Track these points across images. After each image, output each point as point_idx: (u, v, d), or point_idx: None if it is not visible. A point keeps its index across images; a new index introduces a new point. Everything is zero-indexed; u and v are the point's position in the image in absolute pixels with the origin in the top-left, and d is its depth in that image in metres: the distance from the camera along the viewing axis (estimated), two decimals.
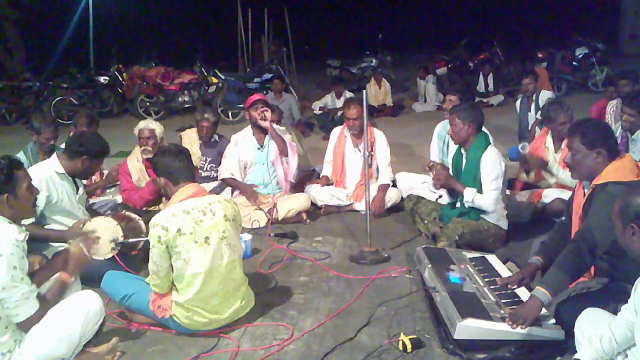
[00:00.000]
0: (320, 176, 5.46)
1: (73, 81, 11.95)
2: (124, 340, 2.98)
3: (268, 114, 4.89)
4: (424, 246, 3.67)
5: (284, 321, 3.18)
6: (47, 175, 3.64)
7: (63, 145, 3.93)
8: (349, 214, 5.11)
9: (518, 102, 6.77)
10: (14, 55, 15.20)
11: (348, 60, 14.05)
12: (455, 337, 2.64)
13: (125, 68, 12.38)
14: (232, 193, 5.10)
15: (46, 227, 3.66)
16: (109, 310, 3.15)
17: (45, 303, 2.51)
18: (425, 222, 4.36)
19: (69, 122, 9.06)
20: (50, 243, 3.69)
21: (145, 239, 3.53)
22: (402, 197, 5.03)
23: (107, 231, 3.58)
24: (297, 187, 5.31)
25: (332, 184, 5.31)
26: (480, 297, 2.87)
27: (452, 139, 4.17)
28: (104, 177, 5.18)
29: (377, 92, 10.70)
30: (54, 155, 3.84)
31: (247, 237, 4.18)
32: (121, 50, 13.86)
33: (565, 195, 4.08)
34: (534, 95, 6.47)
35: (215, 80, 11.28)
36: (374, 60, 13.48)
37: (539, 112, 5.66)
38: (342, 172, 5.28)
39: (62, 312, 2.56)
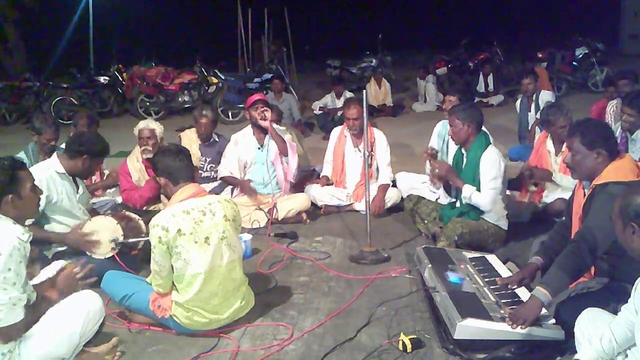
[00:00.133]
0: (320, 176, 5.46)
1: (73, 81, 11.95)
2: (124, 340, 2.98)
3: (268, 114, 4.90)
4: (424, 246, 3.67)
5: (284, 321, 3.18)
6: (47, 174, 3.64)
7: (63, 146, 3.93)
8: (349, 214, 5.11)
9: (518, 102, 6.78)
10: (14, 55, 15.21)
11: (348, 60, 14.05)
12: (455, 337, 2.64)
13: (125, 68, 12.38)
14: (232, 193, 5.10)
15: (46, 227, 3.66)
16: (109, 310, 3.15)
17: (31, 316, 2.46)
18: (425, 222, 4.36)
19: (69, 122, 9.05)
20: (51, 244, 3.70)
21: (146, 239, 3.53)
22: (402, 197, 5.03)
23: (107, 231, 3.58)
24: (297, 187, 5.31)
25: (332, 184, 5.32)
26: (480, 297, 2.87)
27: (453, 140, 4.17)
28: (104, 178, 5.18)
29: (377, 92, 10.70)
30: (54, 154, 3.84)
31: (247, 237, 4.18)
32: (121, 50, 13.89)
33: (566, 195, 4.07)
34: (534, 95, 6.48)
35: (215, 80, 11.28)
36: (374, 60, 13.48)
37: (539, 112, 5.67)
38: (342, 172, 5.28)
39: (62, 312, 2.56)
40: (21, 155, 4.66)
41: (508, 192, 4.31)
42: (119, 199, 4.86)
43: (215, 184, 5.29)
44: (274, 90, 9.38)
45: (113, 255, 3.54)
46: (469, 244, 3.88)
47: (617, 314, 2.19)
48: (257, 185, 5.03)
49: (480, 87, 11.46)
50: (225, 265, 3.00)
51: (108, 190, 5.21)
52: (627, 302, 2.13)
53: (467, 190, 3.92)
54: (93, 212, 4.19)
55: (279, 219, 4.84)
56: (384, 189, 5.04)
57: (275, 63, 12.42)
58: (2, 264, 2.29)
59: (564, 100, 8.12)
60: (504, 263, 3.48)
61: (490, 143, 4.02)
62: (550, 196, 4.46)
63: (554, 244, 3.02)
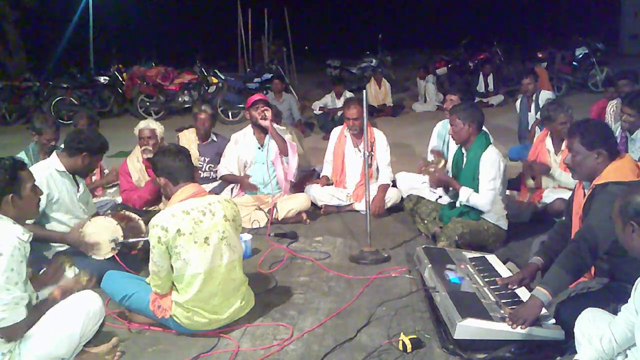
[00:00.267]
0: (320, 176, 5.46)
1: (73, 81, 11.95)
2: (124, 340, 2.98)
3: (268, 114, 4.89)
4: (424, 246, 3.67)
5: (284, 321, 3.18)
6: (47, 173, 3.64)
7: (63, 146, 3.93)
8: (349, 214, 5.11)
9: (518, 102, 6.78)
10: (14, 55, 15.20)
11: (348, 60, 14.05)
12: (455, 337, 2.64)
13: (125, 68, 12.38)
14: (232, 193, 5.10)
15: (47, 226, 3.66)
16: (109, 310, 3.15)
17: (34, 314, 2.47)
18: (425, 222, 4.36)
19: (69, 122, 9.07)
20: (51, 244, 3.70)
21: (145, 239, 3.53)
22: (402, 197, 5.03)
23: (107, 231, 3.58)
24: (297, 187, 5.31)
25: (332, 184, 5.32)
26: (480, 297, 2.87)
27: (453, 139, 4.18)
28: (104, 177, 5.18)
29: (377, 92, 10.70)
30: (54, 153, 3.84)
31: (247, 237, 4.18)
32: (121, 50, 13.87)
33: (566, 195, 4.08)
34: (534, 95, 6.48)
35: (215, 80, 11.28)
36: (374, 60, 13.48)
37: (539, 112, 5.66)
38: (342, 172, 5.28)
39: (62, 312, 2.56)
40: (21, 155, 4.66)
41: (508, 192, 4.31)
42: (119, 199, 4.86)
43: (215, 184, 5.29)
44: (274, 90, 9.38)
45: (113, 256, 3.54)
46: (469, 244, 3.88)
47: (617, 314, 2.19)
48: (257, 185, 5.03)
49: (480, 87, 11.47)
50: (225, 265, 3.00)
51: (108, 191, 5.22)
52: (627, 302, 2.13)
53: (464, 194, 3.92)
54: (95, 213, 4.20)
55: (279, 219, 4.84)
56: (384, 189, 5.04)
57: (275, 63, 12.43)
58: (5, 264, 2.30)
59: (564, 100, 8.11)
60: (504, 263, 3.48)
61: (491, 143, 4.02)
62: (550, 196, 4.46)
63: (554, 244, 3.02)
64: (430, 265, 3.24)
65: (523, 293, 2.93)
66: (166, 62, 12.63)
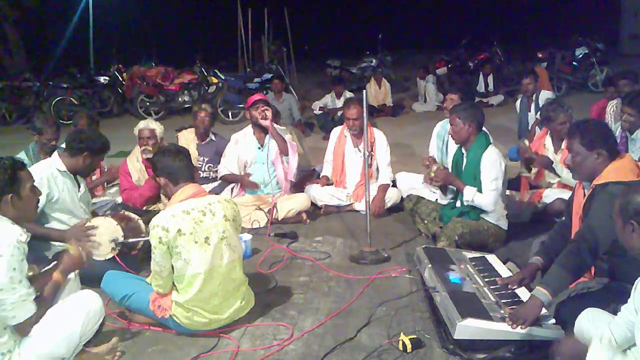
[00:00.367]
0: (320, 176, 5.46)
1: (73, 81, 11.94)
2: (124, 340, 2.98)
3: (269, 113, 4.90)
4: (424, 246, 3.67)
5: (284, 321, 3.18)
6: (49, 172, 3.64)
7: (64, 145, 3.93)
8: (349, 214, 5.11)
9: (518, 102, 6.78)
10: (14, 55, 15.20)
11: (348, 60, 14.05)
12: (455, 337, 2.64)
13: (125, 68, 12.38)
14: (232, 193, 5.10)
15: (47, 225, 3.66)
16: (109, 310, 3.16)
17: (42, 305, 2.50)
18: (425, 222, 4.37)
19: (69, 122, 9.07)
20: (51, 242, 3.70)
21: (145, 239, 3.53)
22: (402, 197, 5.03)
23: (107, 231, 3.58)
24: (297, 187, 5.32)
25: (332, 184, 5.32)
26: (480, 297, 2.87)
27: (453, 139, 4.17)
28: (104, 174, 5.18)
29: (377, 92, 10.70)
30: (55, 153, 3.84)
31: (247, 237, 4.18)
32: (121, 50, 13.88)
33: (566, 195, 4.08)
34: (534, 95, 6.48)
35: (215, 80, 11.28)
36: (374, 60, 13.47)
37: (539, 112, 5.67)
38: (342, 172, 5.28)
39: (62, 312, 2.56)
40: (21, 155, 4.66)
41: (508, 192, 4.31)
42: (119, 199, 4.86)
43: (215, 184, 5.29)
44: (274, 90, 9.37)
45: (113, 256, 3.54)
46: (469, 244, 3.88)
47: (617, 314, 2.19)
48: (257, 185, 5.03)
49: (480, 87, 11.46)
50: (225, 265, 3.00)
51: (108, 191, 5.22)
52: (627, 302, 2.13)
53: (469, 193, 3.92)
54: (93, 213, 4.20)
55: (279, 219, 4.84)
56: (384, 189, 5.04)
57: (275, 63, 12.43)
58: (6, 265, 2.30)
59: (564, 100, 8.10)
60: (504, 263, 3.48)
61: (491, 143, 4.02)
62: (550, 196, 4.46)
63: (554, 244, 3.02)
64: (430, 265, 3.24)
65: (523, 293, 2.93)
66: (166, 62, 12.63)
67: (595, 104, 6.39)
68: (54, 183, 3.66)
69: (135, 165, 4.80)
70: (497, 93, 11.30)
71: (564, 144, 4.34)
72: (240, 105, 10.13)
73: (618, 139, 4.28)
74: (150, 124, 4.81)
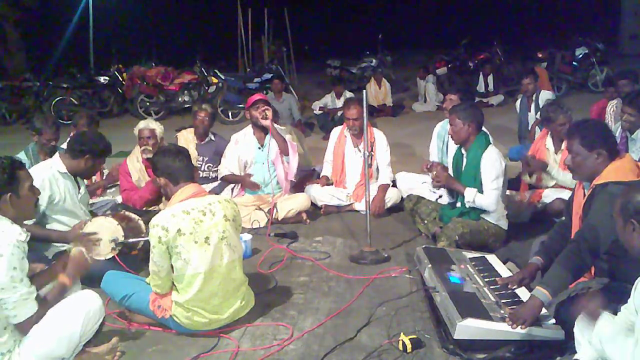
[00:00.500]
0: (320, 176, 5.46)
1: (73, 81, 11.94)
2: (124, 340, 2.98)
3: (269, 113, 4.90)
4: (424, 246, 3.67)
5: (284, 321, 3.18)
6: (50, 174, 3.64)
7: (64, 146, 3.94)
8: (349, 214, 5.11)
9: (518, 102, 6.78)
10: (14, 55, 15.20)
11: (348, 60, 14.05)
12: (455, 337, 2.64)
13: (125, 68, 12.38)
14: (232, 193, 5.10)
15: (48, 226, 3.67)
16: (109, 310, 3.15)
17: (44, 305, 2.51)
18: (425, 222, 4.36)
19: (69, 122, 9.06)
20: (52, 243, 3.70)
21: (145, 239, 3.53)
22: (402, 197, 5.03)
23: (107, 231, 3.58)
24: (297, 187, 5.32)
25: (332, 184, 5.32)
26: (480, 297, 2.87)
27: (453, 139, 4.17)
28: (104, 177, 5.18)
29: (377, 92, 10.70)
30: (56, 154, 3.84)
31: (247, 237, 4.18)
32: (121, 50, 13.86)
33: (566, 195, 4.09)
34: (534, 95, 6.48)
35: (215, 80, 11.28)
36: (374, 60, 13.47)
37: (539, 112, 5.67)
38: (342, 172, 5.28)
39: (62, 312, 2.56)
40: (21, 155, 4.67)
41: (508, 192, 4.31)
42: (119, 199, 4.86)
43: (214, 184, 5.29)
44: (274, 90, 9.37)
45: (113, 256, 3.54)
46: (469, 244, 3.88)
47: (617, 314, 2.19)
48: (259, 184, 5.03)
49: (480, 87, 11.46)
50: (225, 265, 3.00)
51: (108, 191, 5.22)
52: (627, 302, 2.13)
53: (470, 194, 3.92)
54: (92, 213, 4.20)
55: (279, 219, 4.83)
56: (384, 189, 5.04)
57: (275, 63, 12.43)
58: (7, 264, 2.30)
59: (564, 100, 8.10)
60: (504, 263, 3.49)
61: (491, 143, 4.02)
62: (550, 196, 4.46)
63: (554, 244, 3.02)
64: (430, 265, 3.24)
65: (523, 293, 2.93)
66: (166, 62, 12.62)
67: (595, 104, 6.39)
68: (55, 185, 3.66)
69: (135, 165, 4.80)
70: (497, 93, 11.29)
71: (564, 145, 4.34)
72: (240, 105, 10.13)
73: (618, 139, 4.28)
74: (150, 124, 4.81)
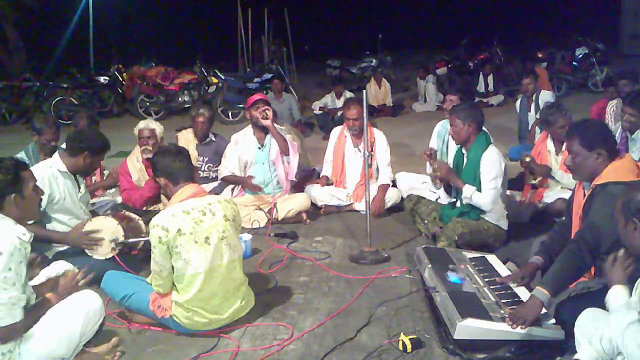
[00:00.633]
0: (320, 176, 5.46)
1: (73, 81, 11.94)
2: (124, 341, 2.98)
3: (269, 113, 4.89)
4: (424, 246, 3.67)
5: (284, 321, 3.18)
6: (49, 173, 3.64)
7: (64, 145, 3.94)
8: (349, 214, 5.11)
9: (518, 102, 6.78)
10: (14, 55, 15.19)
11: (348, 60, 14.05)
12: (455, 337, 2.64)
13: (125, 68, 12.38)
14: (232, 193, 5.10)
15: (48, 226, 3.66)
16: (109, 310, 3.15)
17: (29, 318, 2.45)
18: (425, 222, 4.37)
19: (69, 122, 9.06)
20: (52, 244, 3.70)
21: (146, 239, 3.53)
22: (402, 197, 5.03)
23: (107, 231, 3.58)
24: (297, 187, 5.32)
25: (332, 184, 5.32)
26: (480, 297, 2.87)
27: (453, 139, 4.18)
28: (104, 177, 5.18)
29: (377, 92, 10.70)
30: (56, 153, 3.84)
31: (247, 237, 4.18)
32: (121, 50, 13.85)
33: (566, 195, 4.08)
34: (534, 95, 6.48)
35: (215, 80, 11.27)
36: (374, 60, 13.48)
37: (539, 112, 5.67)
38: (342, 172, 5.28)
39: (62, 312, 2.56)
40: (21, 155, 4.66)
41: (508, 192, 4.31)
42: (119, 199, 4.86)
43: (215, 184, 5.29)
44: (274, 90, 9.37)
45: (113, 256, 3.54)
46: (469, 244, 3.88)
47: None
48: (258, 185, 5.02)
49: (480, 87, 11.46)
50: (226, 265, 3.00)
51: (108, 191, 5.22)
52: None
53: (468, 191, 3.92)
54: (93, 213, 4.20)
55: (279, 219, 4.83)
56: (384, 189, 5.04)
57: (275, 63, 12.42)
58: (3, 264, 2.29)
59: (564, 100, 8.12)
60: (504, 263, 3.48)
61: (491, 143, 4.02)
62: (550, 196, 4.46)
63: (554, 243, 3.03)
64: (430, 265, 3.24)
65: (523, 293, 2.93)
66: (166, 62, 12.61)
67: (595, 104, 6.39)
68: (55, 184, 3.66)
69: (135, 165, 4.80)
70: (497, 93, 11.30)
71: (564, 146, 4.34)
72: (240, 105, 10.13)
73: (618, 139, 4.28)
74: (150, 124, 4.81)
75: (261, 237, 4.54)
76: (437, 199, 4.56)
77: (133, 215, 3.92)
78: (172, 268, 2.93)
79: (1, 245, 2.31)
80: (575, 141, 2.82)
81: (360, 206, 5.02)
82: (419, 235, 4.47)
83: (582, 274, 2.75)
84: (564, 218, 3.16)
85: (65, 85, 11.65)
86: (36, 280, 2.81)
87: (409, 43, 20.02)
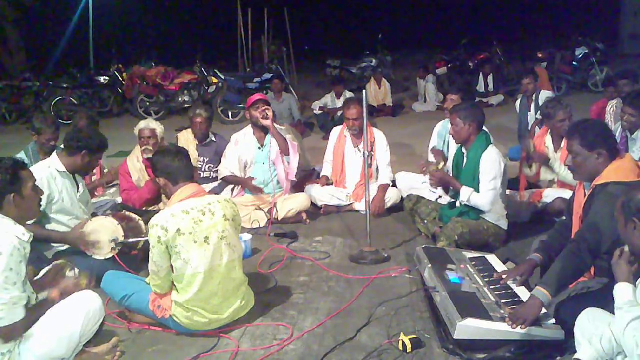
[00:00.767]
0: (320, 176, 5.46)
1: (73, 81, 11.94)
2: (124, 340, 2.98)
3: (270, 113, 4.89)
4: (424, 246, 3.67)
5: (284, 321, 3.18)
6: (48, 173, 3.63)
7: (63, 145, 3.93)
8: (349, 214, 5.11)
9: (518, 102, 6.78)
10: (14, 55, 15.20)
11: (348, 60, 14.04)
12: (455, 337, 2.64)
13: (125, 68, 12.38)
14: (232, 193, 5.10)
15: (47, 226, 3.66)
16: (109, 310, 3.15)
17: (31, 315, 2.47)
18: (425, 222, 4.36)
19: (69, 122, 9.06)
20: (51, 244, 3.70)
21: (145, 239, 3.53)
22: (402, 197, 5.03)
23: (107, 231, 3.58)
24: (297, 187, 5.31)
25: (332, 184, 5.32)
26: (480, 297, 2.87)
27: (454, 139, 4.18)
28: (104, 176, 5.18)
29: (377, 92, 10.70)
30: (54, 153, 3.84)
31: (247, 237, 4.18)
32: (121, 50, 13.87)
33: (566, 195, 4.09)
34: (534, 95, 6.48)
35: (215, 80, 11.27)
36: (374, 60, 13.47)
37: (539, 112, 5.67)
38: (342, 172, 5.28)
39: (62, 312, 2.56)
40: (21, 155, 4.66)
41: (508, 192, 4.31)
42: (119, 199, 4.86)
43: (215, 184, 5.29)
44: (274, 90, 9.37)
45: (113, 256, 3.54)
46: (469, 243, 3.89)
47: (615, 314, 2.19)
48: (258, 185, 5.02)
49: (480, 87, 11.46)
50: (225, 265, 3.00)
51: (108, 191, 5.22)
52: None
53: (465, 193, 3.93)
54: (93, 214, 4.20)
55: (279, 219, 4.83)
56: (384, 189, 5.04)
57: (275, 63, 12.42)
58: (4, 264, 2.30)
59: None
60: (504, 263, 3.48)
61: (491, 143, 4.02)
62: (550, 196, 4.46)
63: (554, 242, 3.03)
64: (430, 265, 3.24)
65: (523, 293, 2.93)
66: (166, 62, 12.61)
67: (595, 104, 6.39)
68: (54, 184, 3.65)
69: (136, 165, 4.80)
70: (497, 93, 11.29)
71: (563, 143, 4.34)
72: (240, 105, 10.13)
73: (618, 139, 4.28)
74: (150, 124, 4.81)
75: (261, 237, 4.54)
76: (437, 199, 4.56)
77: (133, 216, 3.92)
78: (171, 268, 2.93)
79: (1, 246, 2.31)
80: (575, 141, 2.82)
81: (360, 206, 5.02)
82: (419, 235, 4.47)
83: (582, 274, 2.75)
84: (564, 218, 3.16)
85: (65, 85, 11.65)
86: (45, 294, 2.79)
87: (409, 43, 20.03)
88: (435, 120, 5.72)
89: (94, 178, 5.12)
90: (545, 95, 6.44)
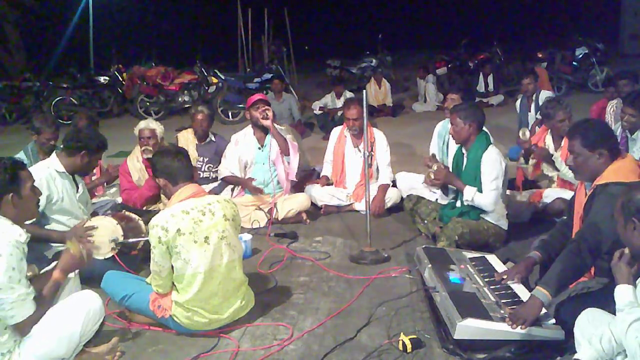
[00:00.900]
0: (320, 176, 5.46)
1: (73, 81, 11.95)
2: (124, 340, 2.98)
3: (270, 113, 4.89)
4: (424, 246, 3.67)
5: (284, 321, 3.18)
6: (47, 173, 3.63)
7: (62, 145, 3.93)
8: (349, 214, 5.11)
9: (518, 102, 6.78)
10: (14, 55, 15.20)
11: (348, 60, 14.04)
12: (455, 337, 2.64)
13: (125, 68, 12.38)
14: (232, 193, 5.10)
15: (47, 227, 3.66)
16: (109, 310, 3.16)
17: (42, 304, 2.50)
18: (425, 222, 4.36)
19: (69, 122, 9.06)
20: (51, 244, 3.69)
21: (145, 239, 3.53)
22: (402, 197, 5.03)
23: (107, 231, 3.58)
24: (297, 187, 5.31)
25: (332, 184, 5.31)
26: (480, 297, 2.87)
27: (454, 139, 4.18)
28: (103, 174, 5.17)
29: (377, 92, 10.70)
30: (54, 154, 3.83)
31: (247, 237, 4.18)
32: (121, 50, 13.87)
33: (566, 195, 4.09)
34: (534, 95, 6.48)
35: (215, 80, 11.27)
36: (374, 60, 13.47)
37: (539, 112, 5.67)
38: (342, 172, 5.28)
39: (62, 312, 2.56)
40: (21, 155, 4.66)
41: (508, 192, 4.31)
42: (119, 199, 4.86)
43: (215, 184, 5.29)
44: (274, 90, 9.37)
45: (113, 256, 3.54)
46: (469, 244, 3.88)
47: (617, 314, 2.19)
48: (258, 185, 5.03)
49: (480, 87, 11.46)
50: (225, 265, 3.00)
51: (108, 191, 5.22)
52: None
53: (469, 193, 3.92)
54: (93, 214, 4.20)
55: (279, 219, 4.83)
56: (384, 189, 5.04)
57: (275, 63, 12.42)
58: (6, 265, 2.31)
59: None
60: (504, 263, 3.48)
61: (491, 143, 4.02)
62: (550, 196, 4.46)
63: (554, 241, 3.03)
64: (430, 265, 3.24)
65: (523, 293, 2.93)
66: (166, 62, 12.62)
67: (595, 104, 6.40)
68: (53, 184, 3.65)
69: (136, 165, 4.80)
70: (497, 93, 11.29)
71: (563, 142, 4.35)
72: (240, 105, 10.13)
73: (618, 139, 4.28)
74: (150, 124, 4.81)
75: (261, 237, 4.54)
76: (437, 199, 4.56)
77: (133, 215, 3.92)
78: (172, 268, 2.93)
79: (0, 247, 2.31)
80: (577, 141, 2.82)
81: (360, 206, 5.02)
82: (419, 235, 4.47)
83: (583, 274, 2.75)
84: (564, 217, 3.16)
85: (65, 85, 11.66)
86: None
87: (409, 43, 20.04)
88: (435, 120, 5.72)
89: (93, 178, 5.12)
90: (545, 95, 6.44)
